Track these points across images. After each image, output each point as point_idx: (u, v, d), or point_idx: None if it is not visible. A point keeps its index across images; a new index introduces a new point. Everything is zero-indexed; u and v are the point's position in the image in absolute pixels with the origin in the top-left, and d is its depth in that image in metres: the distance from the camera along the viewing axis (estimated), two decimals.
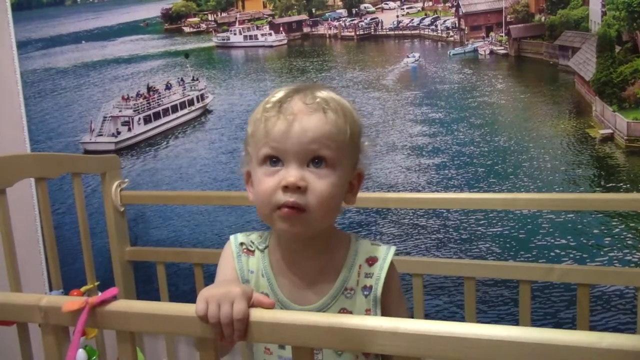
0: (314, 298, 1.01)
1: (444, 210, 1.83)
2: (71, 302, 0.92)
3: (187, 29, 2.17)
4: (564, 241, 1.71)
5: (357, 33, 1.97)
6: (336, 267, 1.02)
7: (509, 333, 0.71)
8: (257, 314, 0.83)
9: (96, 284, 1.90)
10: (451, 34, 1.85)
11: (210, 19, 2.15)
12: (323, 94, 0.96)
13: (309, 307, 1.00)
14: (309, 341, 0.81)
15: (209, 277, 1.92)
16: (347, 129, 0.95)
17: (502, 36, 1.79)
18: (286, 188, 0.91)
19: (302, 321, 0.80)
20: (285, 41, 2.06)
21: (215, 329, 0.83)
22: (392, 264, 1.02)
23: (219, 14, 2.15)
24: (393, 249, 1.04)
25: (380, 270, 1.01)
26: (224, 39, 2.14)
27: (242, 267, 1.05)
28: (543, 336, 0.70)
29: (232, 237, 1.09)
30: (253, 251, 1.06)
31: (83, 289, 1.84)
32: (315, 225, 0.95)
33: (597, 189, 1.68)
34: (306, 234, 0.97)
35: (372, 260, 1.02)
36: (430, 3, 1.88)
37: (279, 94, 0.97)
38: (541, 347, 0.69)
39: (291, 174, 0.91)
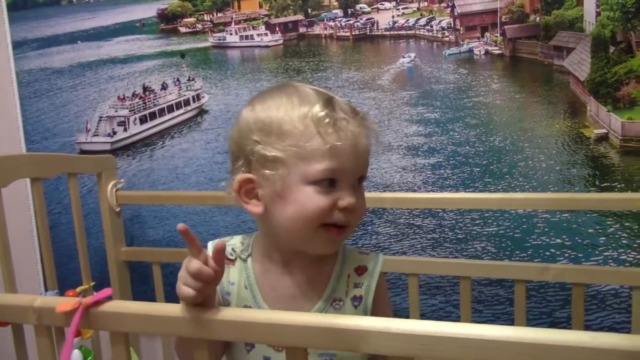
0: (302, 310, 0.95)
1: (440, 210, 1.83)
2: (65, 302, 0.92)
3: (183, 29, 2.17)
4: (559, 241, 1.72)
5: (353, 33, 1.97)
6: (324, 277, 1.00)
7: (502, 333, 0.71)
8: (250, 315, 0.83)
9: (92, 284, 1.89)
10: (446, 34, 1.86)
11: (206, 19, 2.15)
12: (346, 102, 0.97)
13: None
14: (302, 342, 0.81)
15: None
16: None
17: (497, 36, 1.79)
18: (344, 209, 0.91)
19: (295, 322, 0.80)
20: (281, 41, 2.06)
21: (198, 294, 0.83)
22: (380, 273, 1.02)
23: (214, 14, 2.15)
24: (382, 258, 1.03)
25: (371, 280, 1.00)
26: (220, 39, 2.14)
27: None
28: (536, 336, 0.70)
29: (209, 244, 1.01)
30: (234, 260, 1.01)
31: (79, 289, 1.83)
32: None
33: (592, 188, 1.68)
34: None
35: (361, 270, 1.01)
36: (426, 3, 1.88)
37: (317, 105, 0.92)
38: (534, 346, 0.69)
39: (350, 196, 0.91)
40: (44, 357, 0.99)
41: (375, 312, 0.99)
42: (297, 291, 0.99)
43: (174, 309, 0.86)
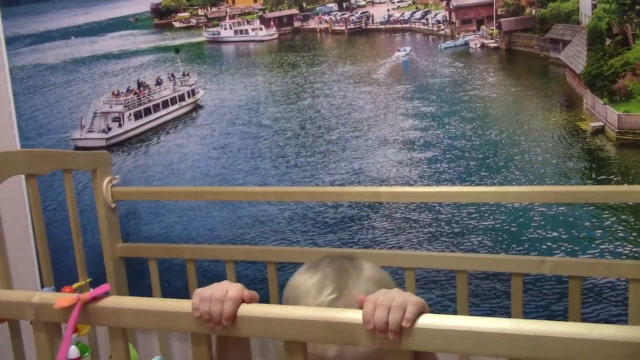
0: None
1: (436, 204, 1.83)
2: (63, 298, 0.91)
3: (177, 24, 2.16)
4: (555, 234, 1.72)
5: (348, 27, 1.96)
6: None
7: (502, 325, 0.71)
8: (248, 309, 0.83)
9: (88, 280, 1.89)
10: (442, 27, 1.85)
11: (200, 13, 2.14)
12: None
13: None
14: (300, 335, 0.81)
15: (202, 273, 1.91)
16: None
17: (493, 29, 1.79)
18: None
19: (293, 315, 0.80)
20: (276, 36, 2.05)
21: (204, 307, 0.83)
22: None
23: (209, 8, 2.14)
24: None
25: None
26: (214, 34, 2.13)
27: None
28: (535, 328, 0.70)
29: None
30: None
31: (75, 285, 1.83)
32: None
33: (588, 181, 1.68)
34: None
35: None
36: None
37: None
38: (533, 338, 0.69)
39: None
40: (41, 353, 0.99)
41: None
42: None
43: (173, 304, 0.86)
